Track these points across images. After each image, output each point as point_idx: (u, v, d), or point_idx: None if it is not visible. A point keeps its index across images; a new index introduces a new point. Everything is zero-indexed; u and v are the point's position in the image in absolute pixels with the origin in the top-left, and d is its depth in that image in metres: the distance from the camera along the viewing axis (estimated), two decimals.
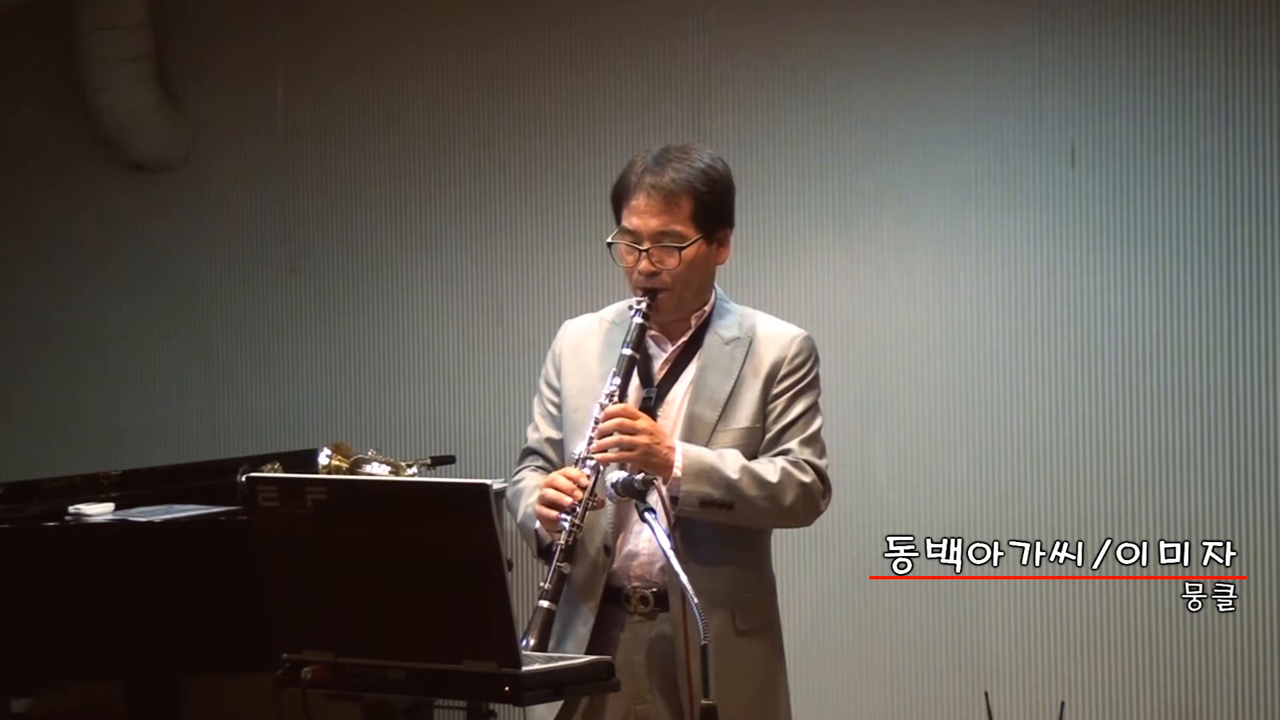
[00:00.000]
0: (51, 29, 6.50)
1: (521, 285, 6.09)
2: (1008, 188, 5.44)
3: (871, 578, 5.58)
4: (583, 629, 3.36)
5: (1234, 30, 5.19)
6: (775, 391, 3.41)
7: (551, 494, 3.27)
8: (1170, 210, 5.27)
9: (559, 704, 3.31)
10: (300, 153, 6.44)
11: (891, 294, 5.58)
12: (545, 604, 3.21)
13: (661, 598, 3.35)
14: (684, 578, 3.00)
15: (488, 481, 2.81)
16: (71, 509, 4.99)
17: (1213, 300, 5.22)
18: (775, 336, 3.46)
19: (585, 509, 3.25)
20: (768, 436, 3.41)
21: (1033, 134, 5.40)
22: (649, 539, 3.27)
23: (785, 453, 3.39)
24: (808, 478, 3.37)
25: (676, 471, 3.28)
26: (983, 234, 5.48)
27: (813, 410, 3.44)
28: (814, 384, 3.46)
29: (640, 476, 3.17)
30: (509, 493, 3.52)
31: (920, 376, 5.54)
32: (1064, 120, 5.37)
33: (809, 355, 3.46)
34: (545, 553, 3.33)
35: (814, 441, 3.42)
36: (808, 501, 3.38)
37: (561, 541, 3.23)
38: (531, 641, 3.15)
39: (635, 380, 3.39)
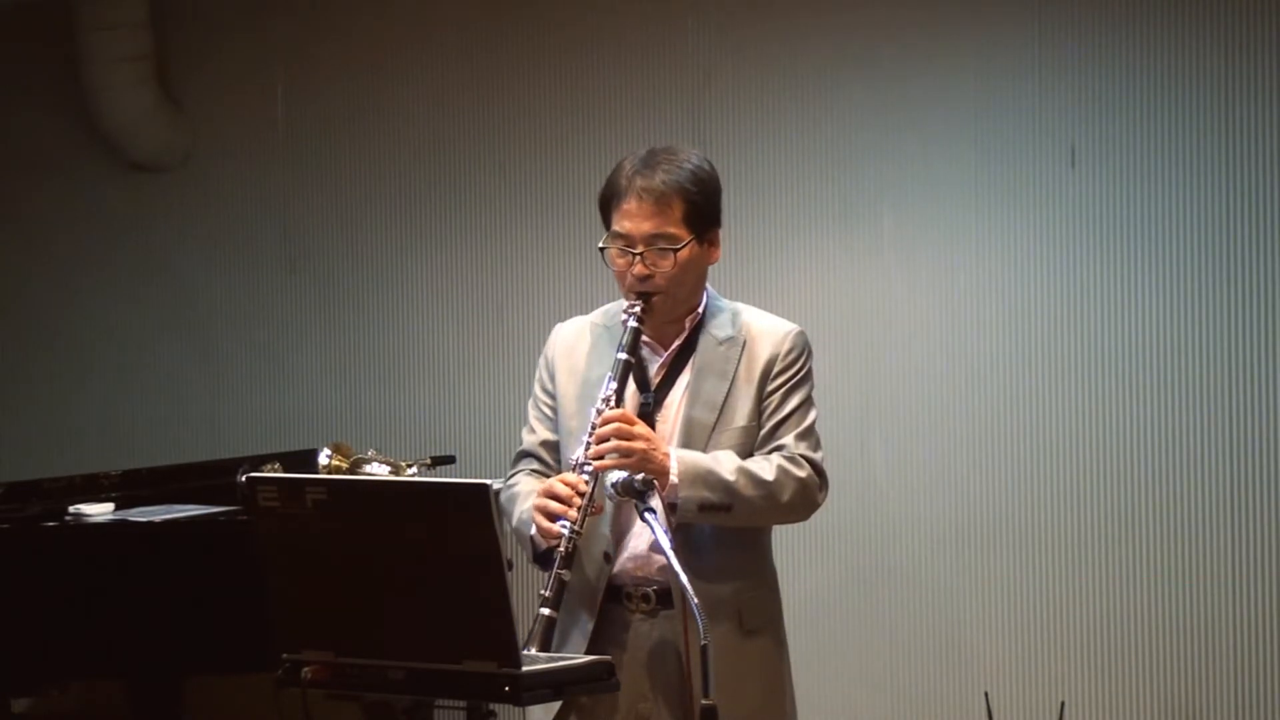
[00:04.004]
0: (51, 29, 6.50)
1: (521, 285, 6.09)
2: (1008, 188, 5.44)
3: (871, 578, 5.58)
4: (581, 635, 3.36)
5: (1234, 31, 5.19)
6: (770, 388, 3.42)
7: (552, 505, 3.26)
8: (1170, 210, 5.27)
9: (557, 704, 3.31)
10: (300, 153, 6.44)
11: (892, 294, 5.58)
12: (547, 612, 3.19)
13: (662, 596, 3.35)
14: (684, 578, 3.00)
15: (488, 481, 2.81)
16: (71, 509, 4.99)
17: (1213, 300, 5.22)
18: (768, 333, 3.46)
19: (585, 515, 3.24)
20: (763, 432, 3.41)
21: (1033, 134, 5.40)
22: (649, 539, 3.27)
23: (780, 448, 3.39)
24: (804, 473, 3.38)
25: (673, 478, 3.27)
26: (983, 234, 5.48)
27: (807, 404, 3.44)
28: (807, 378, 3.46)
29: (640, 476, 3.17)
30: (503, 496, 3.50)
31: (920, 377, 5.54)
32: (1064, 120, 5.37)
33: (802, 350, 3.46)
34: (540, 558, 3.33)
35: (809, 435, 3.42)
36: (805, 497, 3.39)
37: (562, 549, 3.22)
38: (534, 650, 3.14)
39: (631, 385, 3.39)
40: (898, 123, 5.56)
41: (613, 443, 3.25)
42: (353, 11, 6.38)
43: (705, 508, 3.29)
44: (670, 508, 3.24)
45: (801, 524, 3.50)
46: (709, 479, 3.30)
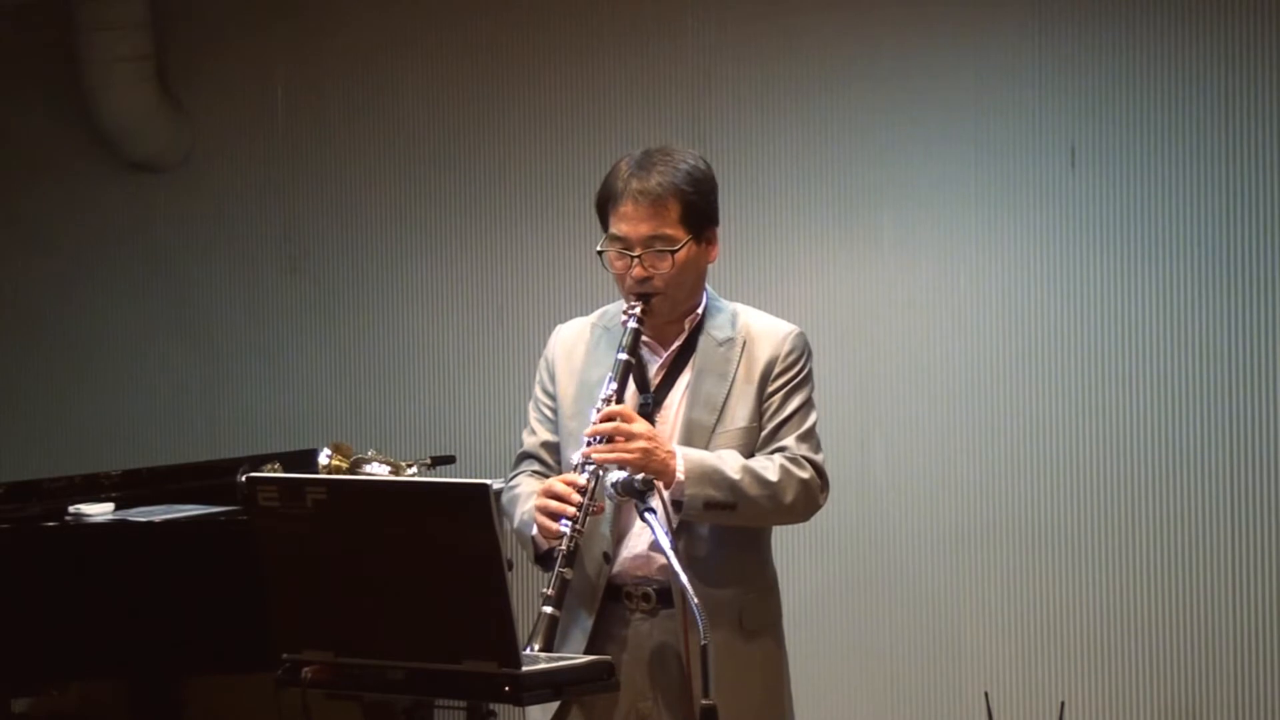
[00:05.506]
0: (51, 29, 6.50)
1: (521, 285, 6.09)
2: (1008, 188, 5.44)
3: (871, 578, 5.58)
4: (581, 633, 3.36)
5: (1234, 31, 5.19)
6: (770, 389, 3.42)
7: (553, 504, 3.26)
8: (1170, 211, 5.27)
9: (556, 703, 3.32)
10: (300, 153, 6.44)
11: (891, 294, 5.58)
12: (549, 610, 3.19)
13: (662, 595, 3.35)
14: (684, 578, 3.00)
15: (488, 481, 2.81)
16: (71, 509, 4.99)
17: (1213, 300, 5.22)
18: (768, 334, 3.46)
19: (586, 514, 3.24)
20: (764, 433, 3.41)
21: (1033, 134, 5.40)
22: (649, 539, 3.27)
23: (782, 449, 3.39)
24: (806, 474, 3.38)
25: (680, 475, 3.27)
26: (983, 234, 5.48)
27: (807, 405, 3.45)
28: (808, 379, 3.47)
29: (640, 476, 3.17)
30: (504, 498, 3.50)
31: (920, 377, 5.54)
32: (1064, 120, 5.37)
33: (802, 351, 3.47)
34: (542, 559, 3.33)
35: (810, 437, 3.43)
36: (807, 498, 3.39)
37: (563, 548, 3.22)
38: (536, 648, 3.14)
39: (631, 386, 3.39)
40: (898, 123, 5.56)
41: (613, 436, 3.26)
42: (352, 13, 6.38)
43: (710, 506, 3.30)
44: (675, 505, 3.24)
45: (802, 524, 3.50)
46: (715, 477, 3.30)
